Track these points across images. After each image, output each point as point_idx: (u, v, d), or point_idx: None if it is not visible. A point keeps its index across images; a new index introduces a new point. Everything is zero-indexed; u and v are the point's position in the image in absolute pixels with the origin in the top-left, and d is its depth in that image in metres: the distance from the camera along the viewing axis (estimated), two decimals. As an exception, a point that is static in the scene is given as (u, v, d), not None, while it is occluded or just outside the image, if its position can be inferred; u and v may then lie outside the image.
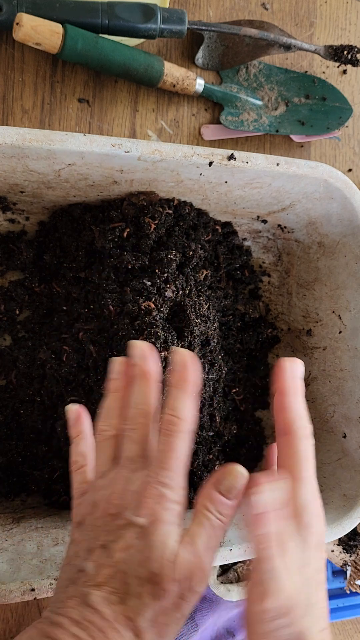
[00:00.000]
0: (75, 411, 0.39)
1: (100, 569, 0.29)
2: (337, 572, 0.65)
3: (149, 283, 0.47)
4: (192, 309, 0.48)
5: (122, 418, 0.34)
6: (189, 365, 0.33)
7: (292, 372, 0.34)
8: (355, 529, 0.63)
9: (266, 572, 0.29)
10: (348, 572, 0.62)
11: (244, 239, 0.60)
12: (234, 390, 0.57)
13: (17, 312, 0.52)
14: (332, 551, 0.62)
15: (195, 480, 0.51)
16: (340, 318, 0.55)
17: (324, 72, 0.64)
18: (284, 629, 0.29)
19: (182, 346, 0.47)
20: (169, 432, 0.31)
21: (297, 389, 0.34)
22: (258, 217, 0.58)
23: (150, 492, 0.30)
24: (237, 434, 0.58)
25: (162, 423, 0.32)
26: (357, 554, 0.62)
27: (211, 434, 0.52)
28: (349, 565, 0.62)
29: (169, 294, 0.47)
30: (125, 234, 0.48)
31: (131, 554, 0.28)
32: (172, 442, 0.31)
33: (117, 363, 0.36)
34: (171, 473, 0.30)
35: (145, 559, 0.28)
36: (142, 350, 0.35)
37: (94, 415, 0.46)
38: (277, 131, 0.60)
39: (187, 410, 0.32)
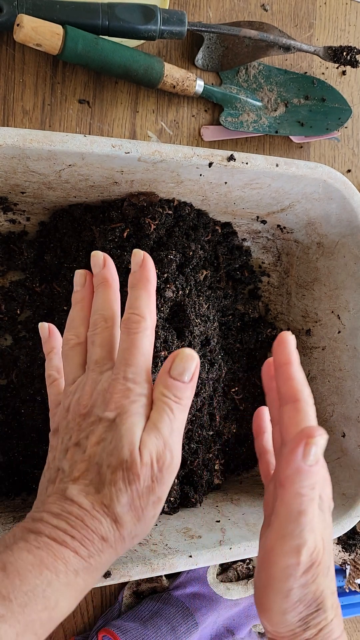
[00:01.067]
0: (47, 328, 0.41)
1: (75, 465, 0.30)
2: (337, 571, 0.65)
3: (149, 283, 0.47)
4: (192, 309, 0.49)
5: (86, 326, 0.36)
6: (145, 264, 0.34)
7: (294, 344, 0.35)
8: (354, 528, 0.63)
9: (304, 525, 0.30)
10: (347, 571, 0.63)
11: (244, 239, 0.60)
12: (234, 390, 0.57)
13: (18, 312, 0.52)
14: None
15: (195, 480, 0.51)
16: (339, 318, 0.55)
17: (323, 73, 0.64)
18: (309, 586, 0.30)
19: (182, 346, 0.47)
20: (130, 330, 0.32)
21: (298, 360, 0.35)
22: (257, 217, 0.58)
23: (116, 388, 0.31)
24: (237, 433, 0.58)
25: (123, 322, 0.33)
26: (357, 553, 0.62)
27: (211, 433, 0.52)
28: (348, 564, 0.62)
29: (169, 294, 0.47)
30: (125, 235, 0.49)
31: (103, 446, 0.30)
32: (134, 339, 0.32)
33: (78, 275, 0.38)
34: (135, 368, 0.32)
35: (115, 448, 0.30)
36: (100, 259, 0.36)
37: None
38: (276, 132, 0.60)
39: (146, 307, 0.33)
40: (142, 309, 0.33)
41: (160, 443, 0.30)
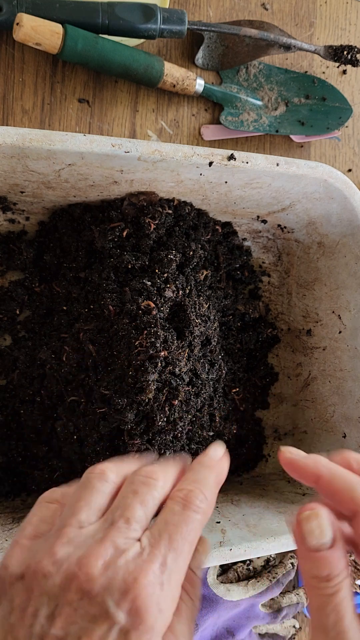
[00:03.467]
0: None
1: None
2: (337, 572, 0.65)
3: (149, 283, 0.47)
4: (192, 309, 0.48)
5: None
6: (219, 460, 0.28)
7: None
8: (355, 529, 0.63)
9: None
10: (348, 572, 0.62)
11: (244, 239, 0.60)
12: (234, 390, 0.57)
13: (17, 312, 0.52)
14: (332, 551, 0.62)
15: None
16: (340, 318, 0.55)
17: (323, 72, 0.64)
18: None
19: (182, 346, 0.47)
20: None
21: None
22: (258, 217, 0.58)
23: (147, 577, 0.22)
24: (237, 433, 0.58)
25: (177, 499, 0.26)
26: (357, 554, 0.62)
27: (211, 434, 0.52)
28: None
29: (169, 293, 0.47)
30: (125, 234, 0.48)
31: None
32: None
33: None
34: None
35: None
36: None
37: (90, 411, 0.46)
38: (277, 131, 0.60)
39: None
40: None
41: None
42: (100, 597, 0.21)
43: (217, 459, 0.28)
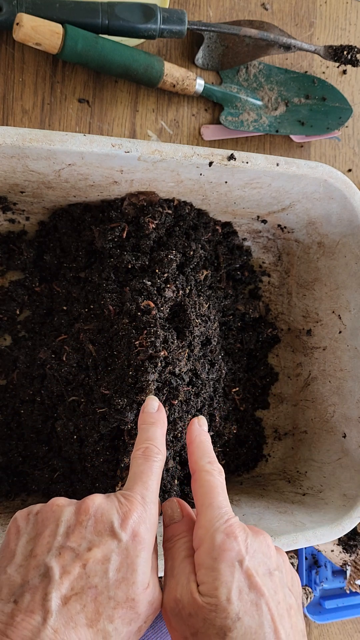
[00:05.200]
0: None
1: (67, 573, 0.26)
2: (337, 572, 0.65)
3: (149, 283, 0.47)
4: (193, 309, 0.48)
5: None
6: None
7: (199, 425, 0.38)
8: (355, 529, 0.63)
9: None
10: (348, 572, 0.62)
11: (244, 239, 0.60)
12: (234, 390, 0.57)
13: (18, 312, 0.52)
14: (332, 551, 0.62)
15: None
16: (340, 318, 0.55)
17: (323, 72, 0.64)
18: None
19: (182, 346, 0.47)
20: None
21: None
22: (258, 217, 0.58)
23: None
24: (237, 433, 0.58)
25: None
26: (357, 554, 0.62)
27: (211, 434, 0.52)
28: (348, 565, 0.62)
29: (169, 294, 0.47)
30: (124, 234, 0.48)
31: (106, 568, 0.27)
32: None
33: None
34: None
35: (125, 580, 0.27)
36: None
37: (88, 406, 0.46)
38: (277, 131, 0.60)
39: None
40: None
41: (158, 590, 0.30)
42: (107, 517, 0.28)
43: (155, 411, 0.36)
